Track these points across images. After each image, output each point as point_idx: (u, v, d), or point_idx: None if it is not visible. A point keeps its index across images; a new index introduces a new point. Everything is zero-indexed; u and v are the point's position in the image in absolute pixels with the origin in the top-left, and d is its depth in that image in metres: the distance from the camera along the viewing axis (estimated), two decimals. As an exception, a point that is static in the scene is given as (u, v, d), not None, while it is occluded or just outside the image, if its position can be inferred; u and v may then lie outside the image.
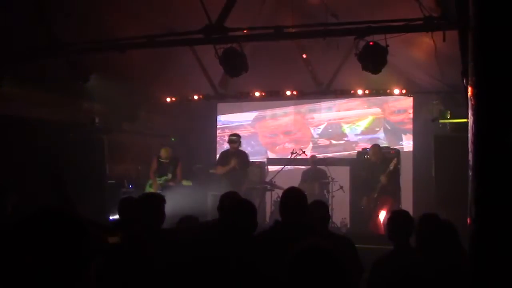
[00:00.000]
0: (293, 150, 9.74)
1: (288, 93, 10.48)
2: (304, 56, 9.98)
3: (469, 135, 1.69)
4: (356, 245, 4.21)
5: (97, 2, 6.63)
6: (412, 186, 10.28)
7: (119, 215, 4.66)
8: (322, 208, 4.31)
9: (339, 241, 4.05)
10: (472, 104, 1.67)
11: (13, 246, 1.50)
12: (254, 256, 3.33)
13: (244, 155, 9.05)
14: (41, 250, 1.49)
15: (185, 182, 9.57)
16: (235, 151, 9.00)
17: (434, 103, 9.39)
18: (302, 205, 3.72)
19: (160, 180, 9.19)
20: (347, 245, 4.08)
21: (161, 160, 9.30)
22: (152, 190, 8.99)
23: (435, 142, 8.36)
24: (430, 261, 3.37)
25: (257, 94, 10.60)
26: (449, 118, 8.57)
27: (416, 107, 10.80)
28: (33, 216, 1.56)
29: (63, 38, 6.83)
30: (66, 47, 6.90)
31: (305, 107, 12.05)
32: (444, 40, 5.61)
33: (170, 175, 9.15)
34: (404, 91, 9.86)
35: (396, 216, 4.06)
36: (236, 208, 3.55)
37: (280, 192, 9.76)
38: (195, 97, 10.86)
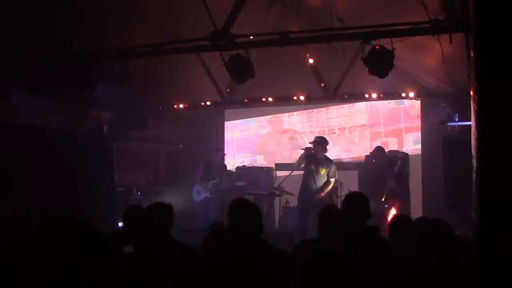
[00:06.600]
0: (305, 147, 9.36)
1: (295, 98, 10.46)
2: (311, 61, 9.98)
3: (472, 140, 1.66)
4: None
5: (104, 11, 6.68)
6: (421, 189, 10.22)
7: (125, 222, 4.65)
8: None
9: None
10: (474, 109, 1.64)
11: (33, 257, 1.46)
12: (262, 258, 3.35)
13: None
14: (63, 263, 1.45)
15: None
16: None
17: (442, 106, 9.33)
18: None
19: (207, 184, 9.68)
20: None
21: (211, 165, 9.91)
22: (200, 197, 9.69)
23: (444, 145, 8.31)
24: (426, 261, 3.36)
25: (263, 99, 10.61)
26: (458, 121, 8.52)
27: (424, 110, 10.75)
28: (55, 228, 1.51)
29: (71, 47, 6.89)
30: (74, 56, 6.96)
31: (312, 112, 12.02)
32: (450, 42, 5.59)
33: (218, 180, 9.73)
34: (411, 94, 9.82)
35: (395, 220, 4.13)
36: (240, 211, 3.60)
37: (289, 198, 9.80)
38: (203, 103, 10.88)
